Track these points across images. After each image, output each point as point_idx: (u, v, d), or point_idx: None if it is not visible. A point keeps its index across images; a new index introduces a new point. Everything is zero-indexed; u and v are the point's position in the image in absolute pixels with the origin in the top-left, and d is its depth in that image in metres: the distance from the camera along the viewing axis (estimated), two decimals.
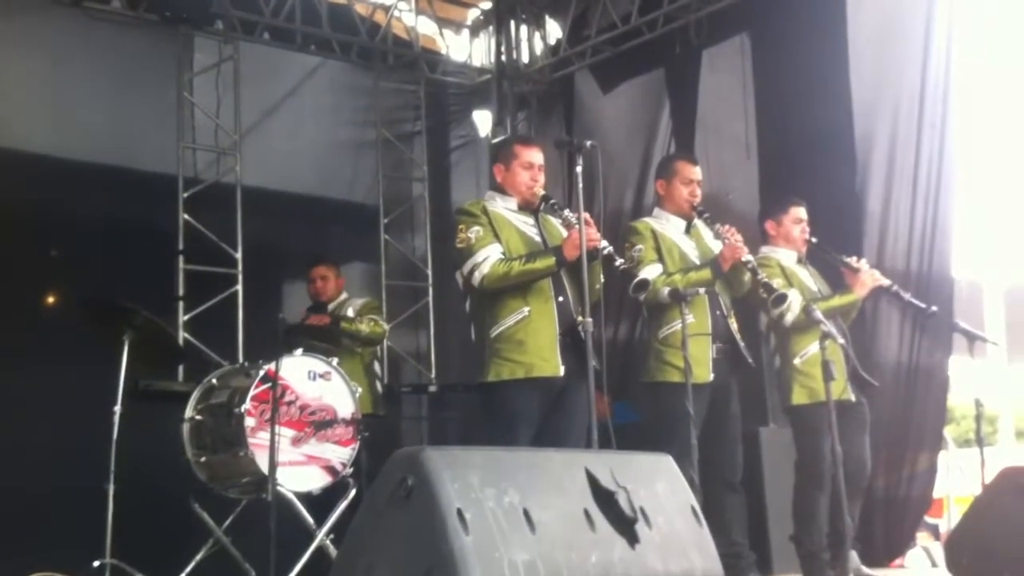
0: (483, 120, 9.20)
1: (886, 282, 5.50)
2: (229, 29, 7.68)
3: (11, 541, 5.68)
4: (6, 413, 5.99)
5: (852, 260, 5.56)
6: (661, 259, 5.09)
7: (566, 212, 4.61)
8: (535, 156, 4.79)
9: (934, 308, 5.60)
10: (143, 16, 7.24)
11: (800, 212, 5.63)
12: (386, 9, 8.57)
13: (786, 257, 5.57)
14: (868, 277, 5.46)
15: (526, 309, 4.57)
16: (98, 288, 6.07)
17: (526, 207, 4.78)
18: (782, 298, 5.11)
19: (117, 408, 4.89)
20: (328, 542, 5.15)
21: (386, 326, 6.86)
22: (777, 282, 5.22)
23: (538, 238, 4.73)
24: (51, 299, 6.89)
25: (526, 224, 4.76)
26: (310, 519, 5.19)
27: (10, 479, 5.80)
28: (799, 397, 5.35)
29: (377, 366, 7.06)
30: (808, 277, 5.59)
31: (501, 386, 4.55)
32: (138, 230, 7.13)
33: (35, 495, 5.98)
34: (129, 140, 7.43)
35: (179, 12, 7.16)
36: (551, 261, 4.55)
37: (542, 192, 4.74)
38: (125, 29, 7.25)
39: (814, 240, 5.61)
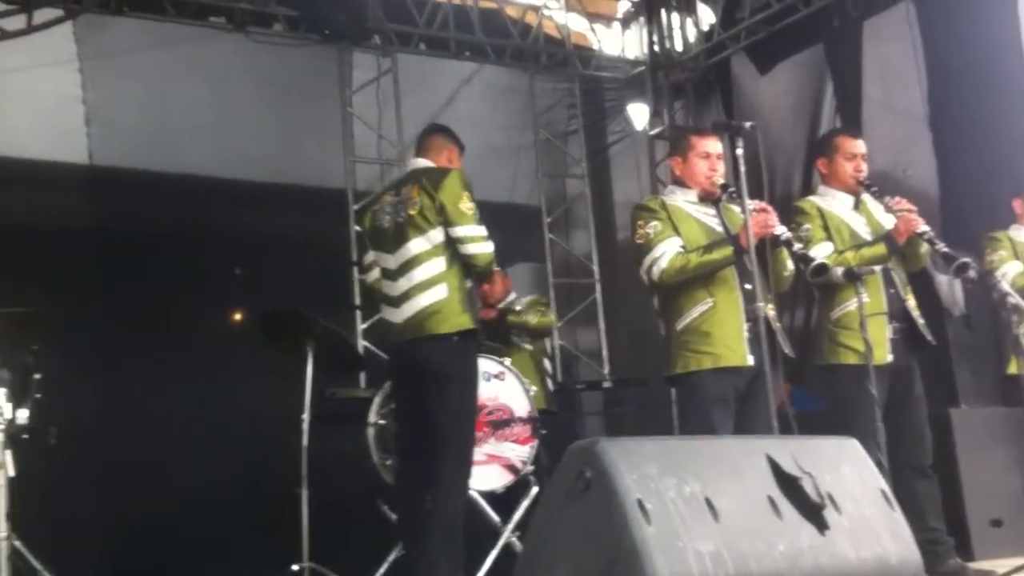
0: (638, 113, 9.12)
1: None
2: (386, 43, 7.87)
3: (209, 548, 5.95)
4: (198, 425, 6.29)
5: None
6: (830, 237, 4.94)
7: (744, 200, 4.52)
8: (712, 145, 4.71)
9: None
10: (303, 37, 7.46)
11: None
12: (536, 9, 8.61)
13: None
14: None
15: (711, 300, 4.51)
16: (277, 302, 6.30)
17: (707, 198, 4.70)
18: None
19: (305, 416, 5.02)
20: (515, 539, 5.21)
21: (553, 316, 6.90)
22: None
23: (720, 228, 4.64)
24: (235, 315, 7.20)
25: (707, 215, 4.68)
26: (496, 517, 5.25)
27: (206, 489, 6.08)
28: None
29: (547, 363, 7.11)
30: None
31: (690, 377, 4.51)
32: (311, 244, 7.37)
33: (230, 503, 6.26)
34: (295, 158, 7.70)
35: (337, 30, 7.36)
36: (728, 251, 4.47)
37: (721, 181, 4.66)
38: (285, 51, 7.49)
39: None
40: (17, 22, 6.49)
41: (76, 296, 6.25)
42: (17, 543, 4.33)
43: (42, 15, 6.56)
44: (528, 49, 8.54)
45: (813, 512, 2.86)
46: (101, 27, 7.02)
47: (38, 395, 4.56)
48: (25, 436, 4.50)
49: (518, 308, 6.66)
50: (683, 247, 4.53)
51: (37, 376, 4.56)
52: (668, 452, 2.79)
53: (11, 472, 4.30)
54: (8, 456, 4.32)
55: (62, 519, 5.33)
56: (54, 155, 6.93)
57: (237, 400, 6.36)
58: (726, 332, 4.48)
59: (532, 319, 6.55)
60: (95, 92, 7.11)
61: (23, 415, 4.50)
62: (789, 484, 2.86)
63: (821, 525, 2.85)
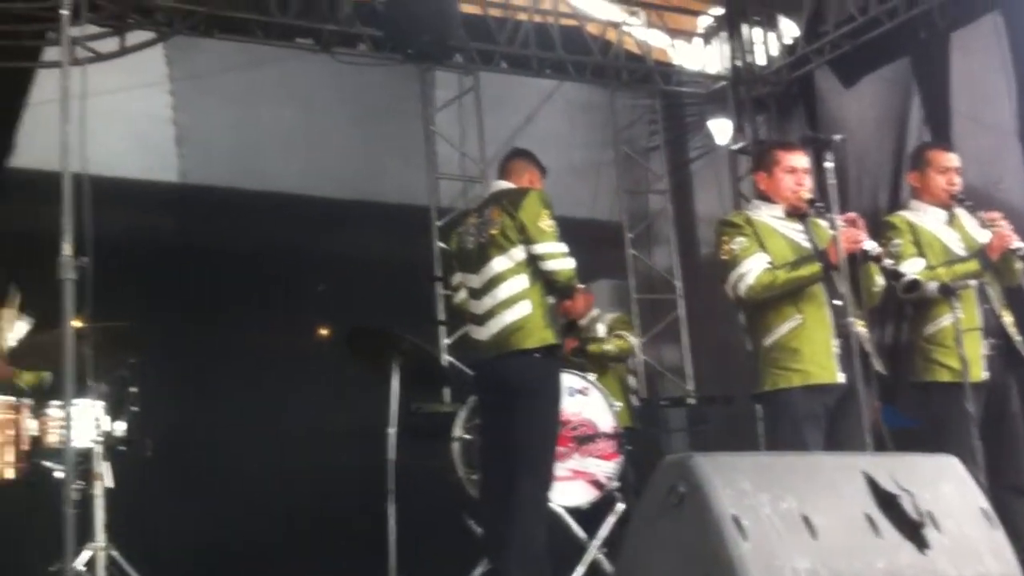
0: (720, 128, 9.06)
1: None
2: (468, 61, 7.94)
3: (297, 561, 6.03)
4: (286, 439, 6.38)
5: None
6: (921, 253, 4.86)
7: (833, 215, 4.46)
8: (798, 160, 4.65)
9: None
10: (387, 57, 7.56)
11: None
12: (617, 26, 8.62)
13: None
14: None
15: (799, 316, 4.44)
16: (361, 318, 6.37)
17: (793, 213, 4.65)
18: None
19: (391, 430, 5.06)
20: (601, 556, 5.19)
21: (633, 340, 6.86)
22: None
23: (807, 244, 4.56)
24: (320, 331, 7.30)
25: (794, 231, 4.61)
26: (582, 533, 5.24)
27: (294, 502, 6.17)
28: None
29: (631, 379, 7.08)
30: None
31: (779, 394, 4.45)
32: (395, 260, 7.46)
33: (317, 516, 6.33)
34: (379, 176, 7.81)
35: (421, 50, 7.44)
36: (816, 267, 4.40)
37: (808, 196, 4.60)
38: (369, 70, 7.59)
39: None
40: (110, 44, 6.68)
41: (168, 311, 6.40)
42: (115, 553, 4.43)
43: (134, 37, 6.75)
44: (609, 65, 8.55)
45: (912, 530, 2.81)
46: (191, 49, 7.20)
47: (134, 408, 4.68)
48: (122, 448, 4.61)
49: (601, 331, 6.64)
50: (770, 263, 4.48)
51: (133, 390, 4.68)
52: (762, 468, 2.77)
53: (109, 483, 4.41)
54: (106, 468, 4.43)
55: (157, 530, 5.45)
56: (146, 174, 7.12)
57: (323, 414, 6.47)
58: (815, 349, 4.42)
59: (611, 348, 6.51)
60: (185, 113, 7.30)
61: (120, 428, 4.61)
62: (887, 501, 2.82)
63: (921, 544, 2.80)
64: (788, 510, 2.67)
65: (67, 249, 3.10)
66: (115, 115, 6.71)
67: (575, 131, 8.83)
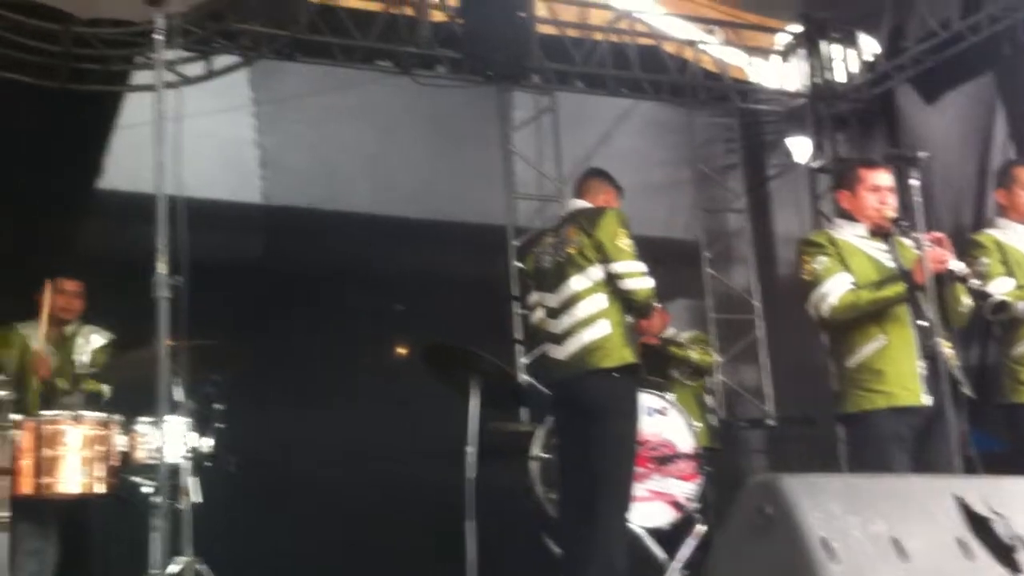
0: (799, 146, 8.99)
1: None
2: (545, 81, 7.99)
3: None
4: (367, 457, 6.44)
5: None
6: (1010, 272, 4.76)
7: (918, 234, 4.39)
8: (882, 178, 4.58)
9: None
10: (465, 78, 7.63)
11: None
12: (693, 44, 8.60)
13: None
14: None
15: (883, 337, 4.36)
16: (438, 336, 6.42)
17: (877, 232, 4.58)
18: None
19: (470, 448, 5.09)
20: None
21: (715, 356, 6.82)
22: None
23: (892, 264, 4.49)
24: (400, 349, 7.38)
25: (878, 250, 4.54)
26: (662, 554, 5.21)
27: (374, 518, 6.22)
28: None
29: (709, 399, 7.03)
30: None
31: (864, 416, 4.38)
32: (472, 279, 7.51)
33: (397, 533, 6.38)
34: (457, 195, 7.88)
35: (499, 71, 7.51)
36: (901, 288, 4.32)
37: (892, 215, 4.54)
38: (448, 92, 7.67)
39: None
40: (197, 68, 6.85)
41: (251, 329, 6.51)
42: (202, 566, 4.50)
43: (221, 62, 6.92)
44: (686, 84, 8.53)
45: (1005, 555, 2.74)
46: (275, 73, 7.36)
47: (220, 425, 4.76)
48: (208, 464, 4.69)
49: (681, 341, 6.61)
50: (853, 283, 4.42)
51: (219, 406, 4.76)
52: (852, 490, 2.73)
53: (197, 498, 4.48)
54: (194, 483, 4.51)
55: (241, 544, 5.52)
56: (231, 195, 7.27)
57: (402, 432, 6.51)
58: (900, 370, 4.34)
59: (695, 354, 6.48)
60: (269, 135, 7.45)
61: (207, 444, 4.70)
62: (979, 525, 2.76)
63: (1014, 568, 2.73)
64: (878, 533, 2.63)
65: (162, 268, 3.18)
66: (203, 137, 6.86)
67: (652, 150, 8.82)
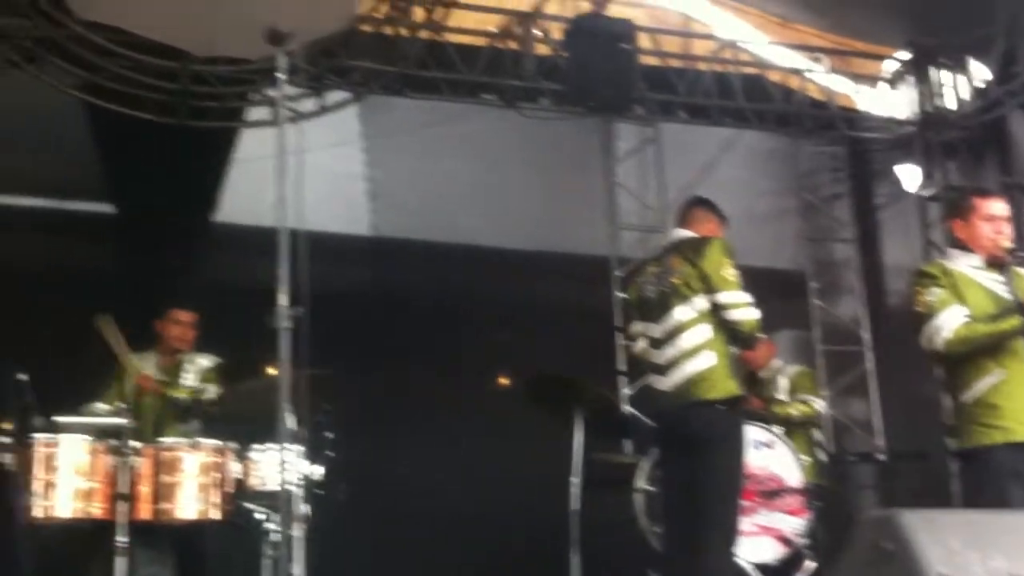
0: (908, 174, 8.83)
1: None
2: (649, 112, 8.01)
3: None
4: (472, 485, 6.49)
5: None
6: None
7: None
8: (997, 207, 4.47)
9: None
10: (569, 110, 7.69)
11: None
12: (799, 72, 8.54)
13: None
14: None
15: (1000, 371, 4.24)
16: (542, 367, 6.44)
17: (993, 262, 4.47)
18: None
19: (575, 479, 5.08)
20: None
21: (818, 406, 6.61)
22: None
23: (1008, 295, 4.36)
24: (504, 379, 7.43)
25: (994, 281, 4.42)
26: None
27: (478, 548, 6.26)
28: None
29: (816, 433, 6.91)
30: None
31: (980, 451, 4.27)
32: (575, 310, 7.54)
33: (502, 563, 6.40)
34: (561, 226, 7.93)
35: (603, 102, 7.55)
36: (1018, 321, 4.19)
37: (1009, 245, 4.42)
38: (551, 124, 7.74)
39: None
40: (309, 104, 7.05)
41: (359, 359, 6.62)
42: None
43: (332, 97, 7.11)
44: (791, 113, 8.46)
45: None
46: (382, 107, 7.53)
47: (330, 453, 4.85)
48: (319, 491, 4.78)
49: (783, 383, 6.52)
50: (968, 316, 4.31)
51: (329, 435, 4.85)
52: (971, 525, 2.68)
53: (309, 525, 4.57)
54: (306, 510, 4.59)
55: (351, 571, 5.60)
56: (341, 227, 7.44)
57: (507, 461, 6.55)
58: (1017, 406, 4.22)
59: (795, 413, 6.36)
60: (377, 168, 7.61)
61: (318, 471, 4.79)
62: None
63: None
64: (998, 569, 2.58)
65: (283, 299, 3.28)
66: (314, 171, 7.02)
67: (756, 179, 8.76)
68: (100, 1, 6.32)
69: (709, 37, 8.27)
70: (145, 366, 5.66)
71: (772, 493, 5.33)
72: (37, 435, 4.54)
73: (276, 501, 4.52)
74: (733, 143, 8.55)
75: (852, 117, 8.77)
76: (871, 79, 8.95)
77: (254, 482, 4.83)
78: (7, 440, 4.55)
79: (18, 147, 6.69)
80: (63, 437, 4.58)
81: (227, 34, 6.36)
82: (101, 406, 5.46)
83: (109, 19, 6.47)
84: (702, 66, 8.14)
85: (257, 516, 4.80)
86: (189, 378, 5.68)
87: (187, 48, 6.67)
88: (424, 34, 7.29)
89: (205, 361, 5.76)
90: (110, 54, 6.64)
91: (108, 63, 6.66)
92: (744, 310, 4.72)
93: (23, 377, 4.55)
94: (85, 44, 6.58)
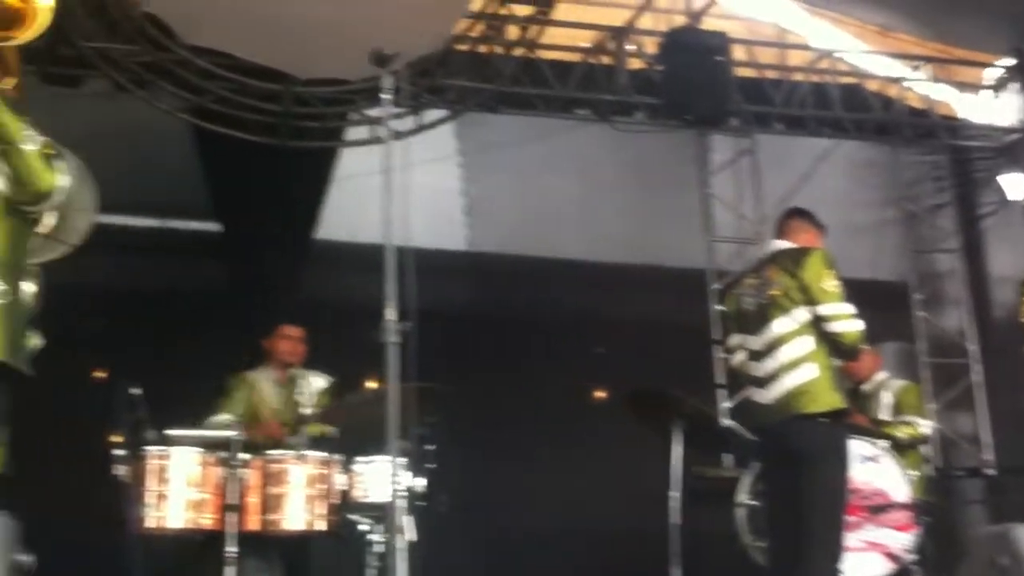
0: (1013, 183, 8.62)
1: None
2: (744, 124, 7.96)
3: None
4: (571, 499, 6.50)
5: None
6: None
7: None
8: None
9: None
10: (664, 123, 7.68)
11: None
12: (898, 81, 8.39)
13: None
14: None
15: None
16: (639, 380, 6.43)
17: None
18: None
19: (675, 493, 5.06)
20: None
21: (924, 427, 6.42)
22: None
23: None
24: (602, 392, 7.44)
25: None
26: None
27: (579, 561, 6.26)
28: None
29: (922, 448, 6.76)
30: None
31: None
32: (672, 323, 7.50)
33: None
34: (656, 239, 7.92)
35: (698, 115, 7.53)
36: None
37: None
38: (645, 137, 7.73)
39: None
40: (407, 122, 7.16)
41: (458, 373, 6.68)
42: None
43: (429, 115, 7.21)
44: (891, 122, 8.33)
45: None
46: (479, 124, 7.62)
47: (431, 465, 4.90)
48: (421, 503, 4.83)
49: (887, 400, 6.40)
50: None
51: (431, 447, 4.90)
52: None
53: (412, 537, 4.61)
54: (408, 522, 4.64)
55: None
56: (438, 243, 7.52)
57: (606, 474, 6.55)
58: None
59: (901, 435, 6.20)
60: (474, 184, 7.70)
61: (420, 483, 4.84)
62: None
63: None
64: None
65: (390, 314, 3.35)
66: (412, 188, 7.13)
67: (855, 189, 8.64)
68: (205, 26, 6.48)
69: (805, 47, 8.18)
70: (261, 383, 5.78)
71: (879, 508, 5.23)
72: (149, 448, 4.65)
73: (380, 512, 4.59)
74: (830, 153, 8.43)
75: (954, 125, 8.60)
76: (973, 87, 8.76)
77: (358, 494, 4.90)
78: (121, 453, 4.68)
79: (126, 169, 6.90)
80: (174, 450, 4.68)
81: (328, 57, 6.49)
82: (224, 417, 5.57)
83: (213, 43, 6.64)
84: (798, 76, 8.06)
85: (361, 527, 4.86)
86: (303, 397, 5.78)
87: (289, 71, 6.81)
88: (518, 51, 7.34)
89: (320, 381, 5.84)
90: (214, 77, 6.81)
91: (213, 86, 6.84)
92: (846, 322, 4.65)
93: (136, 391, 4.68)
94: (190, 68, 6.76)
